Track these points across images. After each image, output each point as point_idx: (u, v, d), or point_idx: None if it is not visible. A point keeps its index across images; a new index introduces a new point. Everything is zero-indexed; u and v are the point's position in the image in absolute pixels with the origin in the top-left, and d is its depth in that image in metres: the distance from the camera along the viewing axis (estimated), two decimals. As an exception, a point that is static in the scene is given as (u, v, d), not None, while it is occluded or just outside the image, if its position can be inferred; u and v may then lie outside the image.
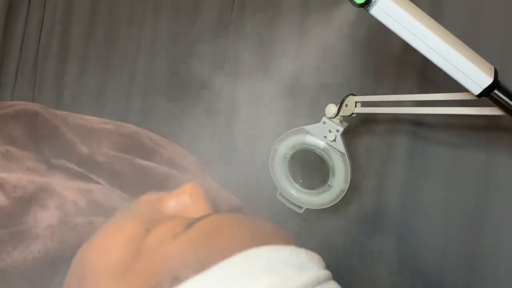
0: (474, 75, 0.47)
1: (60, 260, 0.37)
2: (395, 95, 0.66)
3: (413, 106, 0.68)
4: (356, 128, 0.80)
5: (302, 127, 0.72)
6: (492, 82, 0.47)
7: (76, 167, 0.48)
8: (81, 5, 1.02)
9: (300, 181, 0.75)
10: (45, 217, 0.40)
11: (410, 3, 0.48)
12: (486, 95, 0.48)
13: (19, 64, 1.03)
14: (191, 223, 0.32)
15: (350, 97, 0.70)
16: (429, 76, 0.74)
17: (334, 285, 0.28)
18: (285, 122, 0.81)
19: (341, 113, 0.70)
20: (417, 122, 0.77)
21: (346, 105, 0.70)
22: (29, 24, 1.03)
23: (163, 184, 0.45)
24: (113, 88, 0.94)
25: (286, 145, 0.74)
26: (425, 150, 0.76)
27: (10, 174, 0.44)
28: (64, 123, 0.51)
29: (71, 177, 0.47)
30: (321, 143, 0.71)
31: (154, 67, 0.94)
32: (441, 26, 0.48)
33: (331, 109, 0.71)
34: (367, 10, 0.47)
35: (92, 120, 0.54)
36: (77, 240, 0.37)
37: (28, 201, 0.42)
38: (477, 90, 0.48)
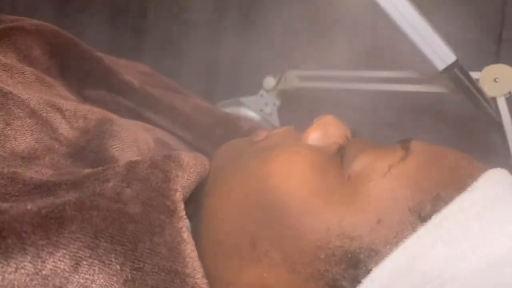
0: (442, 51, 0.51)
1: None
2: (336, 71, 0.67)
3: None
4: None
5: (238, 98, 0.71)
6: (456, 60, 0.51)
7: (124, 101, 0.38)
8: None
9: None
10: (126, 156, 0.33)
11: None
12: (449, 71, 0.52)
13: None
14: (406, 149, 0.30)
15: (290, 71, 0.70)
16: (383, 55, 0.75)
17: None
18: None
19: (279, 87, 0.71)
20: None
21: (285, 79, 0.70)
22: None
23: (237, 124, 0.40)
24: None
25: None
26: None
27: (63, 100, 0.34)
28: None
29: (116, 113, 0.37)
30: (256, 116, 0.71)
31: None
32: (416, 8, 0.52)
33: (270, 82, 0.71)
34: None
35: (104, 56, 0.40)
36: None
37: (99, 133, 0.33)
38: (442, 66, 0.52)
